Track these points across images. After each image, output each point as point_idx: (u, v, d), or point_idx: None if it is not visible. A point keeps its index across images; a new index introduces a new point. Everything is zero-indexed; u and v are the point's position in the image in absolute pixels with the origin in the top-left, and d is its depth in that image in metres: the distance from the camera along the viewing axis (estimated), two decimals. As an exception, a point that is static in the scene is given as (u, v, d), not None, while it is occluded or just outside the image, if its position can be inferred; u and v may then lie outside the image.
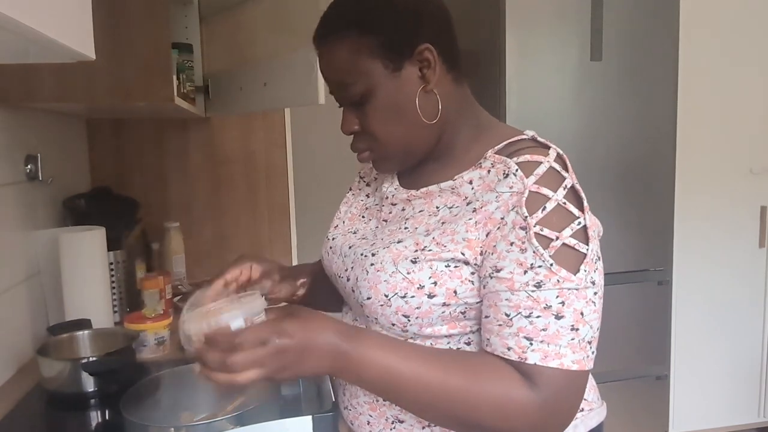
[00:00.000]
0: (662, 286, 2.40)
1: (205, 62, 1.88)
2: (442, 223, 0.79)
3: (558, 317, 0.71)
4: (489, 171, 0.79)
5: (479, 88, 2.36)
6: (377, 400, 0.84)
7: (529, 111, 2.18)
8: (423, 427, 0.82)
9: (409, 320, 0.78)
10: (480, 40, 2.33)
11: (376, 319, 0.80)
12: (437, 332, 0.79)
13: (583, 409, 0.87)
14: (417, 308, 0.77)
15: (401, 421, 0.83)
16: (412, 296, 0.77)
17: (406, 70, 0.80)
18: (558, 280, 0.71)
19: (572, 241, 0.72)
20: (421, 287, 0.76)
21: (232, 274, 0.89)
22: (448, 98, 0.84)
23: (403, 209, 0.87)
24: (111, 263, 1.51)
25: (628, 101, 2.28)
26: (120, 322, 1.52)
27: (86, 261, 1.37)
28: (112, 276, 1.51)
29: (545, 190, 0.74)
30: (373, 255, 0.81)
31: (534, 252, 0.71)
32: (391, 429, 0.83)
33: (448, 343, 0.80)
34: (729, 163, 2.56)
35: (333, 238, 0.95)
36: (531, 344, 0.71)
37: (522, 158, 0.77)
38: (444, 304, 0.77)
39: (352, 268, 0.85)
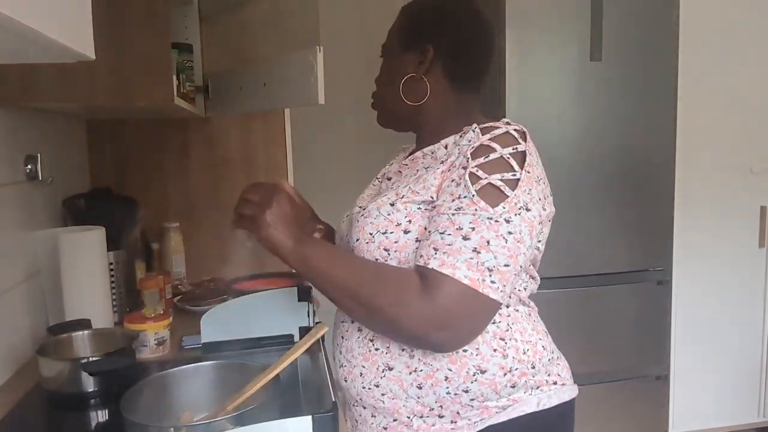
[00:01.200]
0: (662, 286, 2.40)
1: (205, 62, 1.88)
2: (419, 177, 0.95)
3: (465, 238, 0.84)
4: (461, 136, 0.95)
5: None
6: (369, 351, 0.95)
7: (528, 111, 2.18)
8: (410, 372, 0.92)
9: (389, 254, 0.92)
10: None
11: (363, 257, 0.94)
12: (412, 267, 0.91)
13: (556, 383, 0.98)
14: (395, 242, 0.91)
15: (390, 369, 0.93)
16: (392, 232, 0.92)
17: (408, 54, 1.02)
18: (476, 210, 0.85)
19: (498, 183, 0.86)
20: (399, 224, 0.92)
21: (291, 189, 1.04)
22: (437, 94, 1.01)
23: (395, 180, 1.05)
24: (111, 263, 1.51)
25: (628, 101, 2.28)
26: (120, 322, 1.52)
27: (86, 261, 1.37)
28: (112, 276, 1.51)
29: (494, 145, 0.89)
30: (363, 209, 0.99)
31: (464, 186, 0.86)
32: (381, 377, 0.94)
33: None
34: (729, 163, 2.56)
35: (347, 215, 1.10)
36: (435, 253, 0.84)
37: (486, 125, 0.93)
38: (416, 240, 0.90)
39: (349, 225, 1.02)
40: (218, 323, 1.28)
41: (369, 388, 0.95)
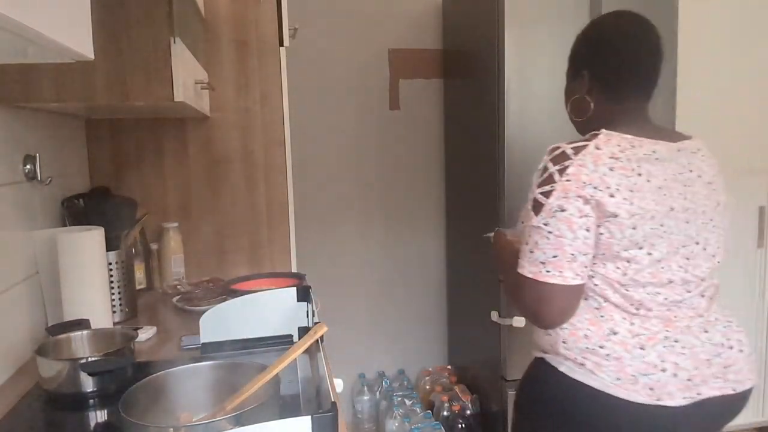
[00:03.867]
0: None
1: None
2: None
3: (527, 244, 1.15)
4: None
5: (479, 88, 2.37)
6: None
7: (528, 111, 2.18)
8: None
9: None
10: (479, 39, 2.34)
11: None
12: None
13: (583, 365, 1.13)
14: None
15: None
16: None
17: (576, 80, 1.30)
18: (530, 222, 1.14)
19: (539, 196, 1.13)
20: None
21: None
22: (597, 110, 1.26)
23: None
24: (110, 263, 1.51)
25: (627, 101, 2.28)
26: (119, 323, 1.52)
27: (85, 261, 1.37)
28: (111, 276, 1.51)
29: (549, 164, 1.15)
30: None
31: (527, 204, 1.18)
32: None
33: None
34: (728, 163, 2.54)
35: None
36: (520, 259, 1.18)
37: (571, 143, 1.17)
38: None
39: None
40: (217, 323, 1.28)
41: None
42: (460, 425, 2.54)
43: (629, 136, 1.15)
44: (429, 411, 2.59)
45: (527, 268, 1.13)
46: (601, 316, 1.13)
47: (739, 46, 2.50)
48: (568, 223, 1.09)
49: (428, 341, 3.00)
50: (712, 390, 1.12)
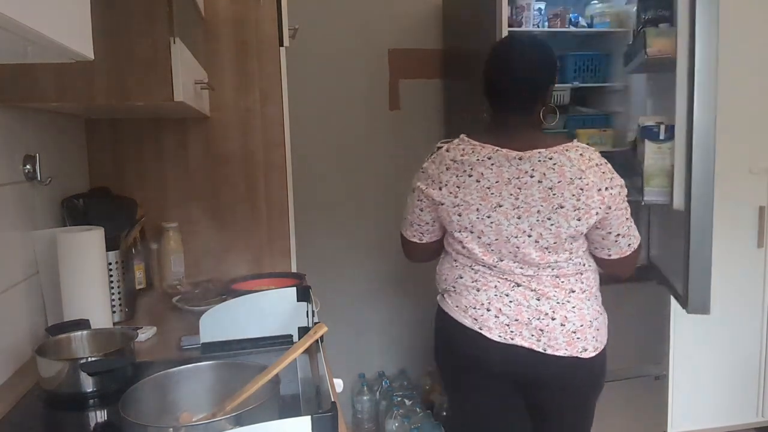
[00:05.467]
0: (661, 286, 2.40)
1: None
2: None
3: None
4: None
5: (479, 88, 2.36)
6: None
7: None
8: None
9: None
10: (479, 39, 2.33)
11: None
12: None
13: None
14: None
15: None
16: None
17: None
18: None
19: (414, 178, 1.57)
20: None
21: None
22: (490, 116, 1.53)
23: None
24: (109, 263, 1.51)
25: (627, 101, 2.28)
26: (119, 323, 1.52)
27: (85, 261, 1.37)
28: (111, 276, 1.51)
29: (428, 156, 1.55)
30: None
31: None
32: None
33: None
34: (728, 163, 2.55)
35: None
36: None
37: None
38: None
39: None
40: (217, 323, 1.28)
41: None
42: (459, 425, 2.54)
43: (476, 143, 1.44)
44: (429, 411, 2.59)
45: (402, 223, 1.61)
46: (455, 266, 1.50)
47: (738, 45, 2.50)
48: (412, 201, 1.53)
49: (428, 341, 2.99)
50: (524, 341, 1.42)
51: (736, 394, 2.66)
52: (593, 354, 1.45)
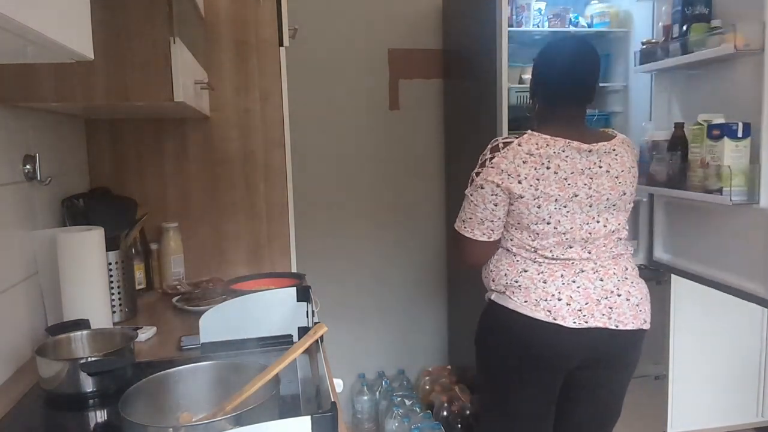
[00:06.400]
0: (661, 286, 2.40)
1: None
2: None
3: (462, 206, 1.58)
4: None
5: (478, 88, 2.37)
6: None
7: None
8: None
9: None
10: (479, 39, 2.33)
11: None
12: None
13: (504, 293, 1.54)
14: None
15: None
16: None
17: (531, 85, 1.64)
18: (466, 191, 1.54)
19: (473, 175, 1.51)
20: None
21: None
22: (538, 110, 1.61)
23: None
24: (109, 263, 1.51)
25: (627, 101, 2.28)
26: (119, 323, 1.52)
27: (85, 261, 1.37)
28: (111, 276, 1.51)
29: (487, 152, 1.51)
30: None
31: None
32: None
33: None
34: (728, 163, 2.55)
35: None
36: None
37: None
38: None
39: None
40: (217, 323, 1.28)
41: None
42: (459, 425, 2.54)
43: (547, 136, 1.47)
44: (429, 411, 2.59)
45: (456, 223, 1.57)
46: (516, 261, 1.52)
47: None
48: (483, 197, 1.48)
49: (428, 341, 3.00)
50: (597, 322, 1.47)
51: (735, 394, 2.66)
52: (649, 326, 1.56)
